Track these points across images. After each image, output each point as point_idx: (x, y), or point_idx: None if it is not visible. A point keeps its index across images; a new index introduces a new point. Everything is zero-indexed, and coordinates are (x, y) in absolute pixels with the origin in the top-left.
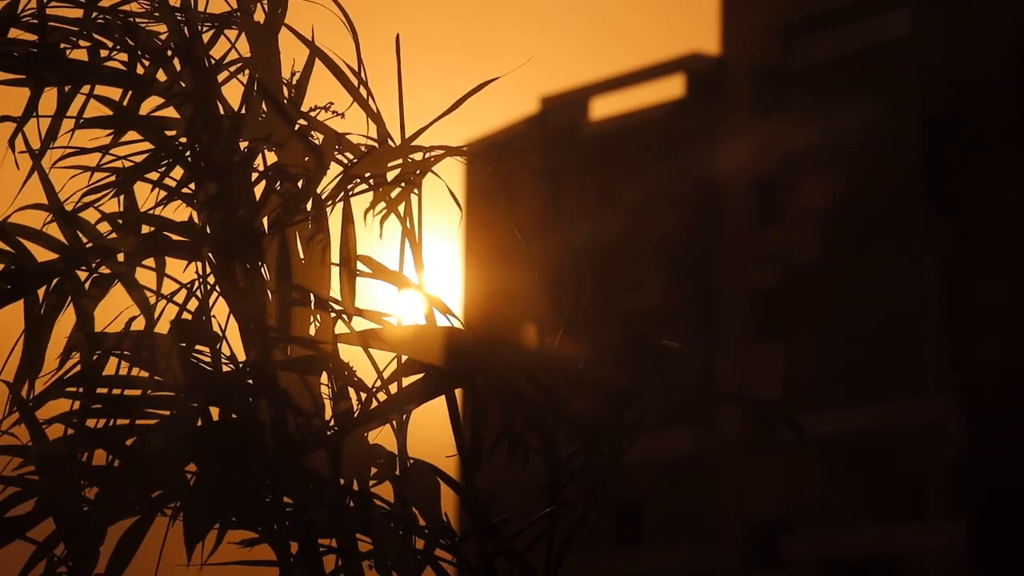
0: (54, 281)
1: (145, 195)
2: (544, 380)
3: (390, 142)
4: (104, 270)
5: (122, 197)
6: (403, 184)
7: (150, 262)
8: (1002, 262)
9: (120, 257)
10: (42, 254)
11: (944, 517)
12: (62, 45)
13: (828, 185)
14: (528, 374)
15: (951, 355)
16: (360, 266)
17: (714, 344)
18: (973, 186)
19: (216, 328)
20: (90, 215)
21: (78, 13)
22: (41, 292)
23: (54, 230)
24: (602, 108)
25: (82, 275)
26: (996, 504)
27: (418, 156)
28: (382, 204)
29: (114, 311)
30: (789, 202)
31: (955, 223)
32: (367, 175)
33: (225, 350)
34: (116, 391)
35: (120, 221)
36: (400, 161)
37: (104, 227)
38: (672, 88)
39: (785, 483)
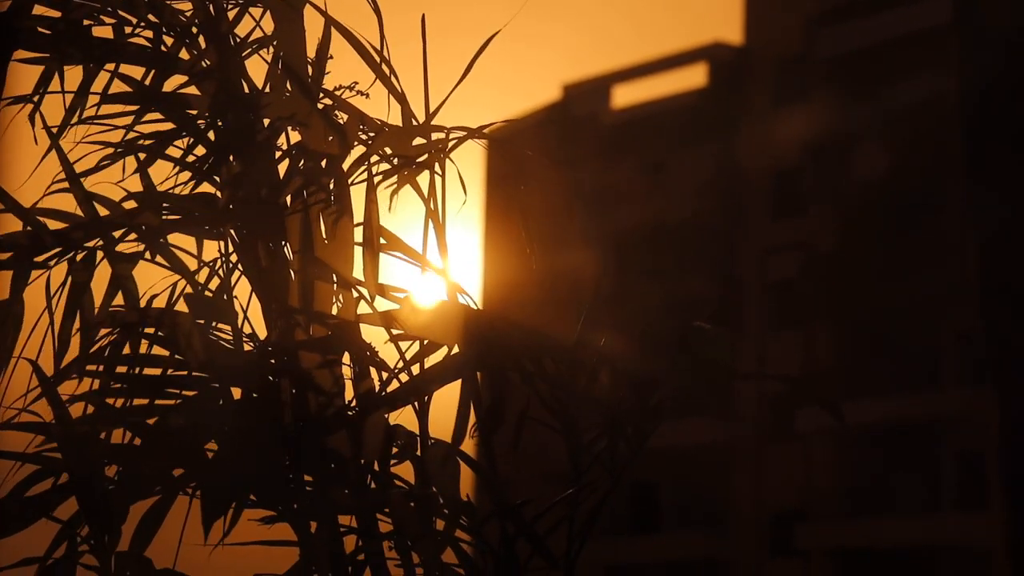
0: (79, 256)
1: (167, 174)
2: (567, 363)
3: (413, 121)
4: (130, 246)
5: (143, 175)
6: (426, 159)
7: (174, 240)
8: None
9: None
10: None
11: (963, 509)
12: (86, 22)
13: (853, 174)
14: (551, 357)
15: (982, 345)
16: (383, 244)
17: (734, 333)
18: (1010, 177)
19: (238, 308)
20: (114, 193)
21: None
22: (64, 268)
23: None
24: (624, 96)
25: (100, 253)
26: (1018, 496)
27: (440, 136)
28: (406, 186)
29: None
30: (811, 192)
31: (986, 214)
32: (389, 154)
33: (247, 329)
34: (137, 370)
35: (141, 199)
36: (423, 141)
37: (121, 209)
38: (695, 77)
39: (802, 472)
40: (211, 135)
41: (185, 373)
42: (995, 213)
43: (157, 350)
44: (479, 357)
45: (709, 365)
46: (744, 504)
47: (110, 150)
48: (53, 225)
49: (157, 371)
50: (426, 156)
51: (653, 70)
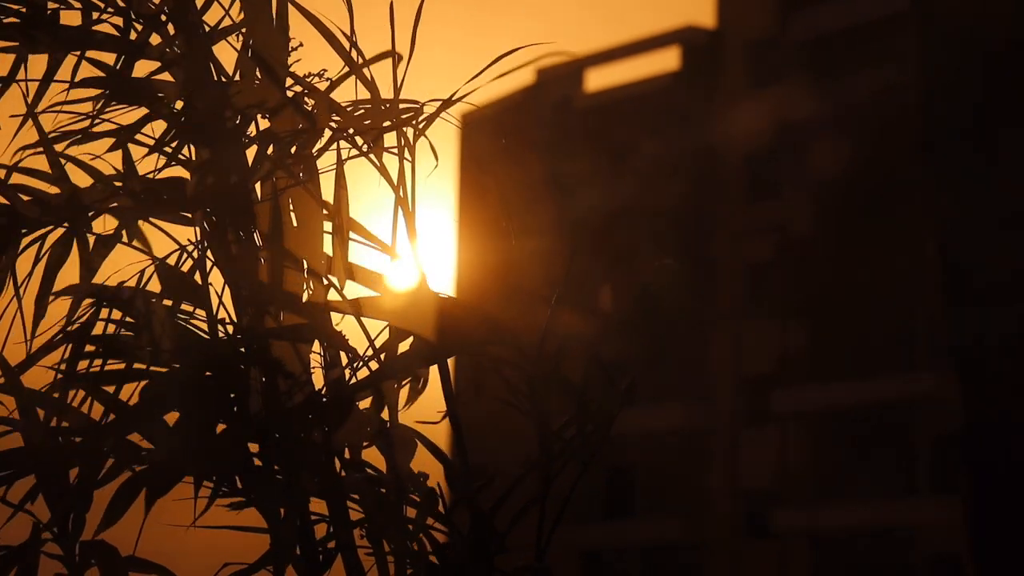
0: (50, 237)
1: (140, 160)
2: (537, 350)
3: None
4: (105, 226)
5: (115, 159)
6: (396, 132)
7: (144, 225)
8: (1001, 236)
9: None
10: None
11: (936, 491)
12: (52, 6)
13: (824, 158)
14: (520, 344)
15: (949, 329)
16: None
17: (709, 316)
18: (974, 160)
19: (213, 295)
20: (82, 180)
21: None
22: (34, 249)
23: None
24: (597, 80)
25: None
26: (991, 479)
27: (409, 112)
28: (376, 172)
29: (103, 273)
30: (785, 175)
31: (955, 197)
32: (357, 139)
33: (223, 315)
34: (100, 360)
35: (116, 183)
36: (392, 119)
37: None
38: (667, 61)
39: (777, 456)
40: (183, 119)
41: (145, 349)
42: (956, 197)
43: (126, 334)
44: (448, 345)
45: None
46: (719, 488)
47: (82, 125)
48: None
49: (121, 366)
50: (396, 130)
51: (626, 54)
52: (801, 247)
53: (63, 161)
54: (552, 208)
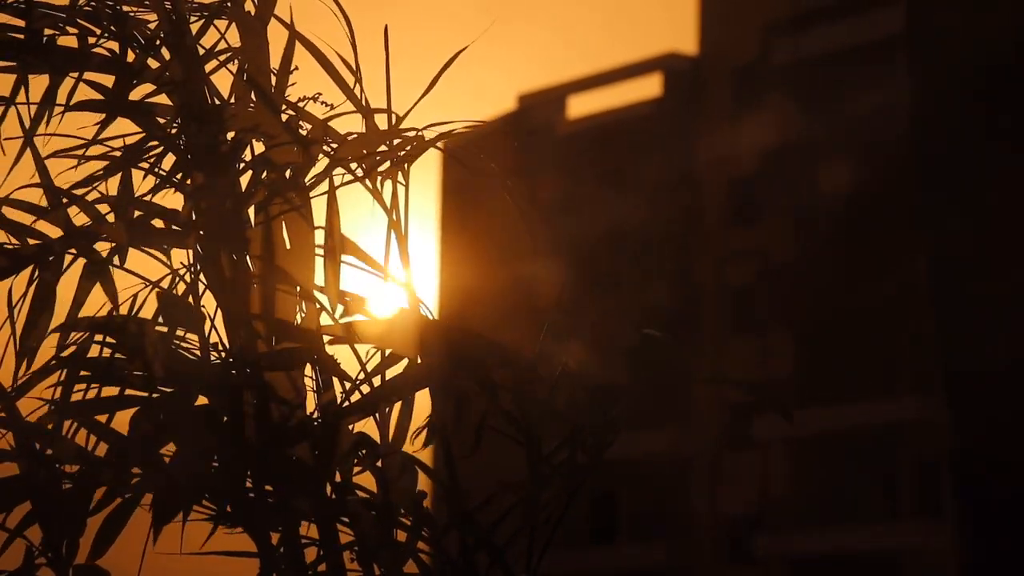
0: (45, 262)
1: (136, 183)
2: (527, 374)
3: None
4: (101, 250)
5: (114, 182)
6: (390, 164)
7: (136, 251)
8: (990, 262)
9: (108, 244)
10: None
11: (920, 517)
12: (49, 32)
13: (807, 183)
14: (511, 368)
15: (940, 351)
16: (345, 257)
17: (691, 341)
18: (963, 186)
19: (206, 316)
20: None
21: (65, 0)
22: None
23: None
24: (579, 106)
25: (68, 257)
26: (983, 504)
27: (404, 139)
28: (367, 195)
29: (93, 301)
30: (768, 200)
31: (941, 223)
32: (353, 165)
33: (213, 338)
34: (95, 385)
35: (111, 207)
36: (386, 146)
37: (87, 217)
38: (650, 87)
39: (759, 481)
40: (180, 143)
41: (139, 375)
42: (946, 221)
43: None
44: (440, 369)
45: (666, 371)
46: (702, 513)
47: (76, 162)
48: (20, 216)
49: (115, 391)
50: (388, 165)
51: (608, 80)
52: (784, 272)
53: (60, 195)
54: (534, 234)
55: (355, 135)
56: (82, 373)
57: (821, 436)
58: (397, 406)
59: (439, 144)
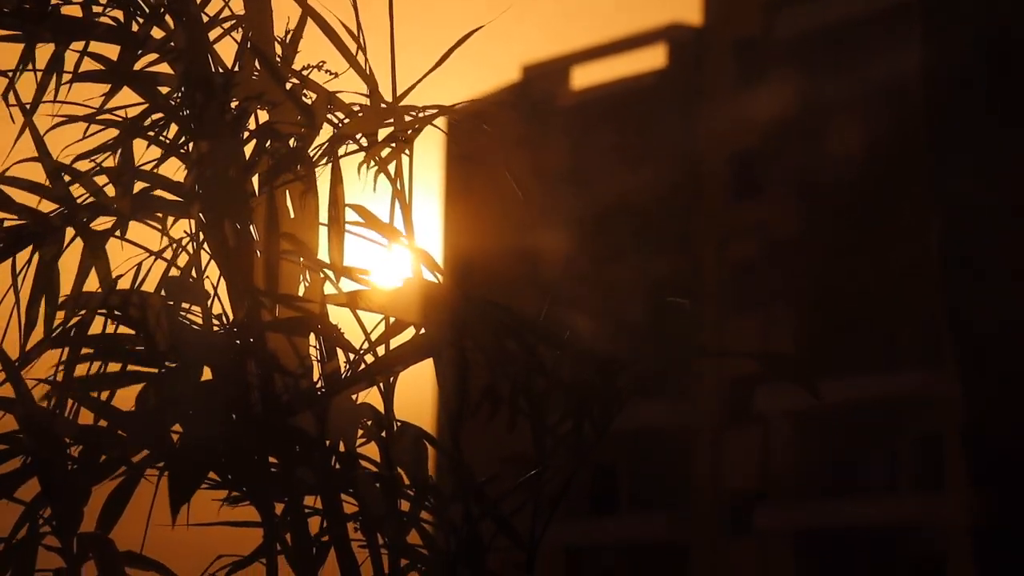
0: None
1: (139, 152)
2: (533, 343)
3: (381, 104)
4: (102, 224)
5: (119, 152)
6: (394, 144)
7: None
8: (1002, 232)
9: (108, 218)
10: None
11: (921, 489)
12: (55, 1)
13: (812, 156)
14: (517, 336)
15: (945, 326)
16: (349, 221)
17: (693, 315)
18: (969, 161)
19: (208, 287)
20: (82, 168)
21: None
22: (27, 250)
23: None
24: (583, 77)
25: (70, 233)
26: (994, 476)
27: (410, 117)
28: (373, 163)
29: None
30: (771, 173)
31: (954, 193)
32: (358, 136)
33: (217, 309)
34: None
35: (113, 177)
36: (391, 120)
37: (85, 190)
38: (654, 58)
39: (761, 453)
40: (183, 112)
41: (143, 349)
42: (958, 194)
43: (124, 330)
44: (445, 337)
45: (677, 343)
46: (703, 485)
47: (82, 131)
48: (21, 196)
49: (119, 362)
50: (395, 138)
51: (612, 51)
52: (787, 246)
53: (59, 170)
54: (539, 206)
55: (359, 107)
56: (84, 351)
57: (822, 409)
58: (402, 376)
59: (441, 126)
